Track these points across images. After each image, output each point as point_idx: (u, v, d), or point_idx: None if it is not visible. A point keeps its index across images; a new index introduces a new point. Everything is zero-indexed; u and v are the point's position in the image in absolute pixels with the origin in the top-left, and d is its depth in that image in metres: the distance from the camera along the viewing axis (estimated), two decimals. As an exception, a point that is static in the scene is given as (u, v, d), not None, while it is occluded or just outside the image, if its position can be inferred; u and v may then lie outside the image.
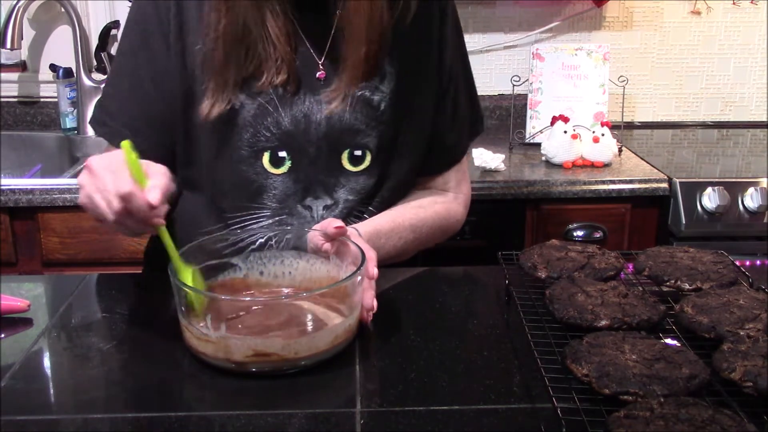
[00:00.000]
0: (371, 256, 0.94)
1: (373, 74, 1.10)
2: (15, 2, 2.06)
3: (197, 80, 1.09)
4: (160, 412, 0.77)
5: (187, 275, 0.90)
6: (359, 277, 0.88)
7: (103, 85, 1.22)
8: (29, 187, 1.77)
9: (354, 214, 1.14)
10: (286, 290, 0.99)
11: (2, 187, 1.75)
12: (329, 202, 1.12)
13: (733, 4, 2.35)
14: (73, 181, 1.82)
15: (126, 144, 0.89)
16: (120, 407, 0.77)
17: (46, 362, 0.87)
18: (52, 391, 0.81)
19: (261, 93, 1.07)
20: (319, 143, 1.10)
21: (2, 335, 0.93)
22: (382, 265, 1.12)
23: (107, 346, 0.89)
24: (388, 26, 1.08)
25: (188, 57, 1.09)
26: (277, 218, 1.12)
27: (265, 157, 1.10)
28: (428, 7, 1.13)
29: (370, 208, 1.15)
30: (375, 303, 0.92)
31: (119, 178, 0.87)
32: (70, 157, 2.22)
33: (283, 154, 1.10)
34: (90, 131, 2.21)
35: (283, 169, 1.11)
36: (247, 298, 0.97)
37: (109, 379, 0.83)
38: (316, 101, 1.10)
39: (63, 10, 2.19)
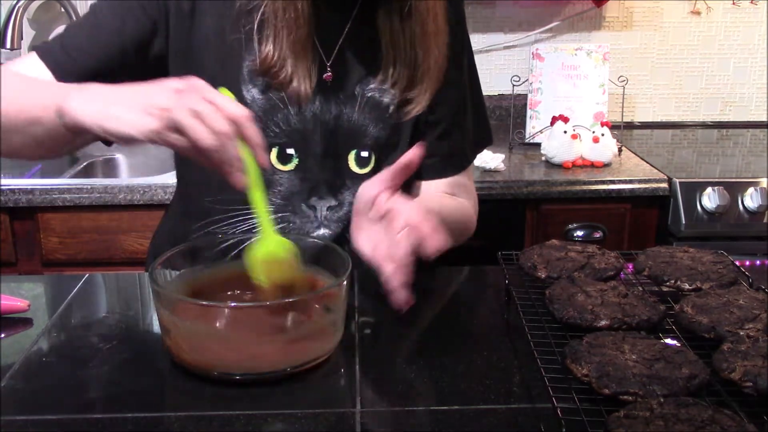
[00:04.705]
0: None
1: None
2: (15, 2, 2.06)
3: (223, 66, 1.06)
4: (160, 412, 0.77)
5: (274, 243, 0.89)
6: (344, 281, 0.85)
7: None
8: (29, 187, 1.77)
9: None
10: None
11: (2, 187, 1.75)
12: (334, 203, 1.12)
13: (733, 4, 2.35)
14: (73, 181, 1.82)
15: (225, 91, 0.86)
16: (120, 407, 0.77)
17: (46, 362, 0.87)
18: (52, 391, 0.81)
19: (272, 88, 1.06)
20: (327, 142, 1.10)
21: (2, 335, 0.93)
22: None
23: (107, 346, 0.89)
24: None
25: (197, 42, 1.06)
26: (279, 215, 1.11)
27: (273, 153, 1.10)
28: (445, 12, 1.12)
29: None
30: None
31: (228, 102, 0.82)
32: (70, 157, 2.21)
33: (291, 151, 1.10)
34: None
35: (290, 166, 1.11)
36: (233, 304, 0.90)
37: (109, 379, 0.83)
38: (325, 100, 1.09)
39: (63, 10, 2.19)
